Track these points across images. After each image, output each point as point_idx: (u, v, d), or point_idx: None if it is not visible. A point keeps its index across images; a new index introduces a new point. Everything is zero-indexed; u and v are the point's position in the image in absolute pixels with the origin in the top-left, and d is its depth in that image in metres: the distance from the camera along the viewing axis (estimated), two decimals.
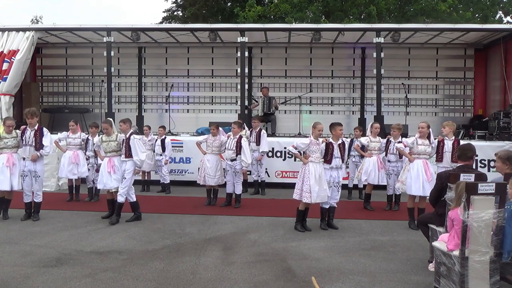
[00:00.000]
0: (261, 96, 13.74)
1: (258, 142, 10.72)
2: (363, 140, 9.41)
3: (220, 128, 9.64)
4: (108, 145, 8.02)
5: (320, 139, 7.41)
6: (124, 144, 7.93)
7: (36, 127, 8.06)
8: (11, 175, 7.78)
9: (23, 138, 8.00)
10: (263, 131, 10.91)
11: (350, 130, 14.26)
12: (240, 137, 9.15)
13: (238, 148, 9.05)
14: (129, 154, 7.89)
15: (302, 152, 7.43)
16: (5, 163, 7.74)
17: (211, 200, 9.50)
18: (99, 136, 8.56)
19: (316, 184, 7.21)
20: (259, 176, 10.96)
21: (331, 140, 7.46)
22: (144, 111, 14.97)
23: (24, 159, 8.00)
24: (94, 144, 8.54)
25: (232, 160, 9.16)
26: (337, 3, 22.19)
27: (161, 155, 10.84)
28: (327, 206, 7.58)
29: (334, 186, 7.55)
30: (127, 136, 7.94)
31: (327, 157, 7.40)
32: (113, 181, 7.91)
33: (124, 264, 5.65)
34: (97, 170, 9.45)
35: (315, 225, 7.77)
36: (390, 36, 12.52)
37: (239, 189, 9.34)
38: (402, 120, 13.13)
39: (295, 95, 14.08)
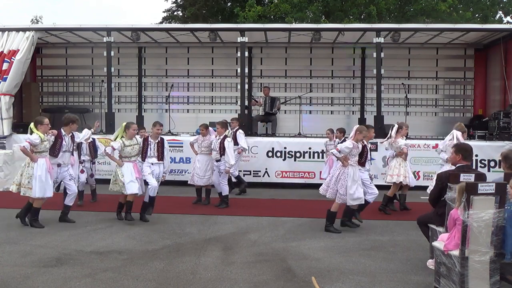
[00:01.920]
0: (262, 96, 13.74)
1: (235, 142, 10.49)
2: (403, 143, 9.06)
3: (210, 128, 9.63)
4: (133, 149, 7.86)
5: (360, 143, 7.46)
6: (156, 147, 8.07)
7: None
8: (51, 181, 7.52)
9: (63, 144, 7.73)
10: (240, 131, 10.63)
11: (350, 130, 14.21)
12: (225, 137, 9.13)
13: (222, 149, 9.03)
14: (161, 157, 8.15)
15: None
16: (48, 169, 7.42)
17: (200, 199, 9.53)
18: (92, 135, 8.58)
19: (354, 186, 7.24)
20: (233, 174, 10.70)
21: (365, 142, 7.52)
22: (144, 111, 14.97)
23: (59, 165, 7.77)
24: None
25: (217, 161, 9.17)
26: (337, 3, 22.19)
27: None
28: (363, 202, 7.59)
29: (367, 182, 7.63)
30: (160, 139, 8.15)
31: (362, 159, 7.48)
32: (139, 187, 7.85)
33: (124, 264, 5.66)
34: (92, 175, 9.39)
35: (316, 226, 7.78)
36: (390, 36, 12.52)
37: (224, 190, 9.27)
38: (402, 120, 13.12)
39: (295, 95, 14.07)
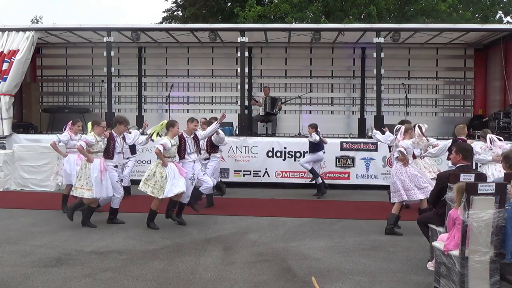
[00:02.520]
0: (262, 96, 13.73)
1: (213, 144, 9.74)
2: (434, 140, 9.01)
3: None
4: (176, 148, 7.61)
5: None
6: (194, 142, 7.80)
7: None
8: (105, 182, 7.46)
9: (115, 145, 7.73)
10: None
11: (350, 130, 14.30)
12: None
13: (209, 147, 8.96)
14: (200, 152, 8.02)
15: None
16: (102, 170, 7.40)
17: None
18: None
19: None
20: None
21: None
22: (144, 111, 14.96)
23: (117, 166, 7.83)
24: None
25: (205, 159, 9.08)
26: (337, 3, 22.19)
27: (127, 158, 9.72)
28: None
29: None
30: (194, 134, 7.89)
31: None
32: (182, 186, 7.48)
33: (124, 264, 5.66)
34: None
35: (316, 226, 7.78)
36: (390, 36, 12.51)
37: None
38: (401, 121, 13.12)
39: (295, 95, 14.07)
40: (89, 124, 7.63)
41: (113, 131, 7.84)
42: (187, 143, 7.75)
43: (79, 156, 8.12)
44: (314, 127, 10.52)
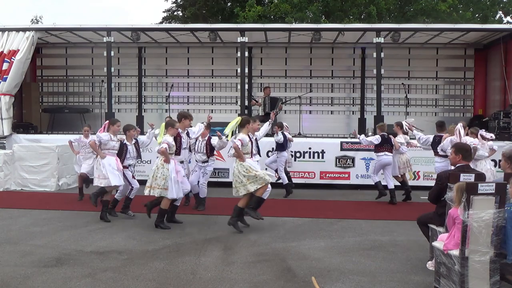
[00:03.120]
0: (261, 96, 13.72)
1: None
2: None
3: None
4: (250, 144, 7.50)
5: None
6: (256, 143, 7.61)
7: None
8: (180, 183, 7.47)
9: (182, 141, 7.70)
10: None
11: (350, 130, 14.30)
12: (209, 138, 8.90)
13: (208, 150, 8.80)
14: (260, 153, 7.89)
15: None
16: (177, 171, 7.37)
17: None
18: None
19: None
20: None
21: None
22: (144, 111, 14.97)
23: (182, 162, 7.81)
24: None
25: (203, 162, 8.94)
26: (337, 3, 22.21)
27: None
28: None
29: None
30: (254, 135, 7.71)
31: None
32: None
33: (124, 264, 5.65)
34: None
35: (316, 226, 7.77)
36: (390, 36, 12.52)
37: (204, 192, 8.98)
38: (402, 120, 13.11)
39: (295, 95, 14.07)
40: (162, 126, 7.47)
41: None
42: (253, 143, 7.42)
43: (117, 160, 7.98)
44: (280, 126, 10.56)
